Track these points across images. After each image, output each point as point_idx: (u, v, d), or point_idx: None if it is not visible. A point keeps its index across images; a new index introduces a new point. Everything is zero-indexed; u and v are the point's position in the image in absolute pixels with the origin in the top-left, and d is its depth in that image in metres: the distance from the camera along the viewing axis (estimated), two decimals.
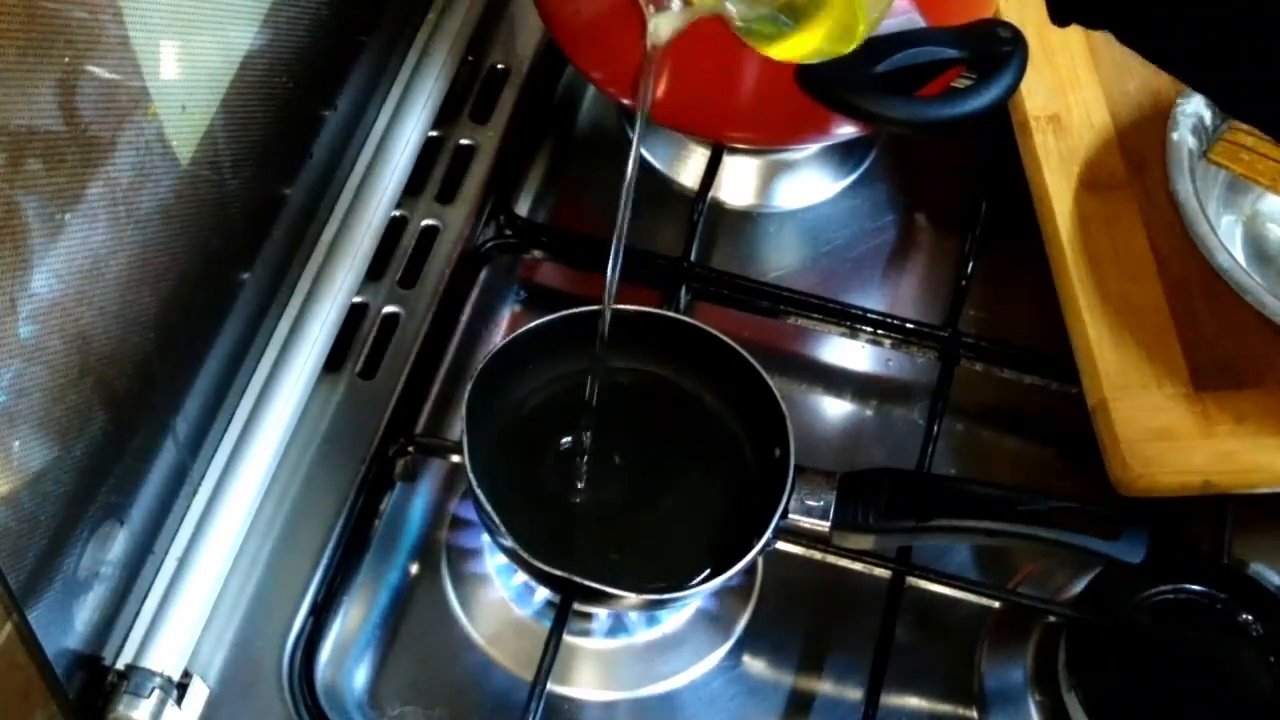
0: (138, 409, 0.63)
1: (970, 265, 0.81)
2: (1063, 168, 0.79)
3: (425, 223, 0.82)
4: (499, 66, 0.88)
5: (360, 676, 0.71)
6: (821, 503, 0.67)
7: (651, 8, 0.56)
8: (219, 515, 0.70)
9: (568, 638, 0.69)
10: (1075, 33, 0.84)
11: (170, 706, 0.66)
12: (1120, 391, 0.72)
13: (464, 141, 0.85)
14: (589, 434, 0.72)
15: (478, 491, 0.66)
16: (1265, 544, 0.74)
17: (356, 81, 0.79)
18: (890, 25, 0.69)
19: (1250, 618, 0.69)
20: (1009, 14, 0.81)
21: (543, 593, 0.72)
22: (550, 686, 0.68)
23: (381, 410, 0.76)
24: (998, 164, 0.84)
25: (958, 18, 0.71)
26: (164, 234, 0.61)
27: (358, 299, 0.79)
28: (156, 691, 0.65)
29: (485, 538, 0.73)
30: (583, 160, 0.90)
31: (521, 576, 0.72)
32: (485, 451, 0.69)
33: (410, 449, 0.75)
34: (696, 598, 0.71)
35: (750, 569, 0.73)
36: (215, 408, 0.72)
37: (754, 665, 0.73)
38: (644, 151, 0.88)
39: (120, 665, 0.66)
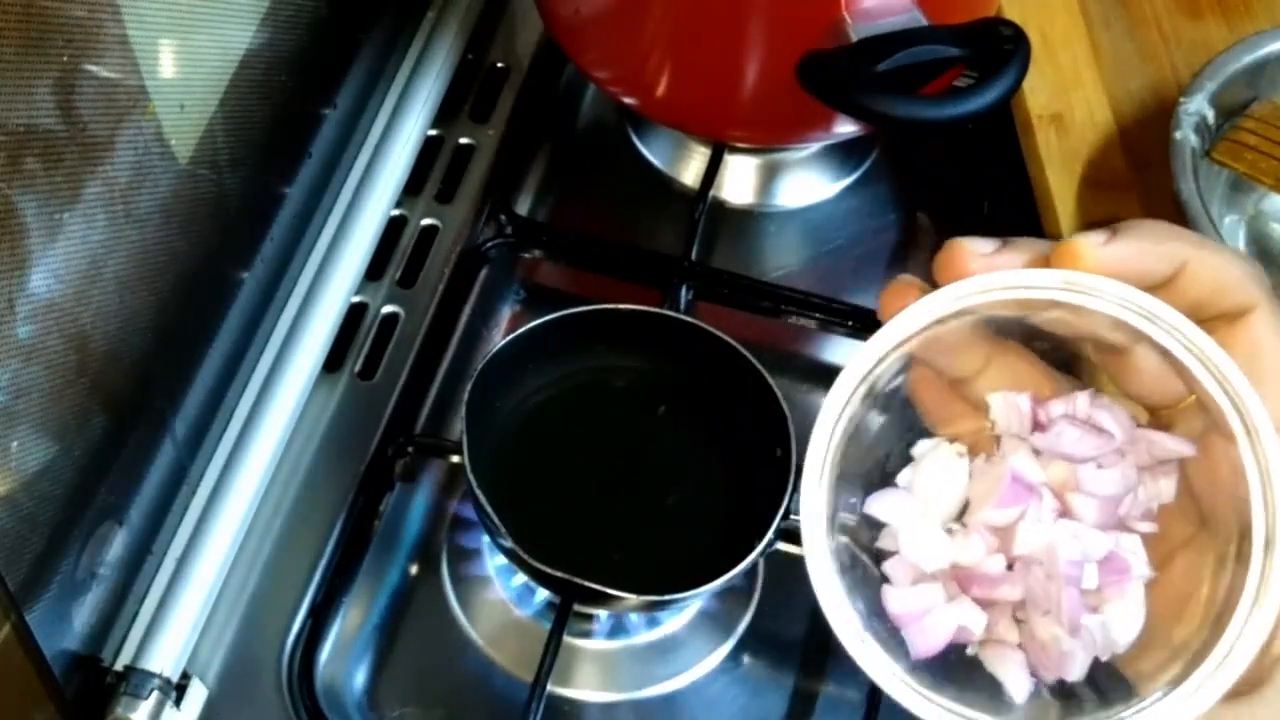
0: (136, 409, 0.63)
1: None
2: (1065, 167, 0.79)
3: (425, 222, 0.82)
4: (499, 65, 0.88)
5: (359, 677, 0.71)
6: None
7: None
8: (218, 516, 0.70)
9: (568, 639, 0.69)
10: (1077, 31, 0.84)
11: (169, 708, 0.66)
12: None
13: (464, 140, 0.85)
14: (589, 434, 0.72)
15: (477, 492, 0.65)
16: None
17: (356, 80, 0.79)
18: (891, 24, 0.69)
19: None
20: (1011, 12, 0.81)
21: (543, 594, 0.72)
22: (550, 688, 0.67)
23: (381, 410, 0.76)
24: (1000, 163, 0.84)
25: (959, 16, 0.70)
26: (162, 233, 0.61)
27: (357, 299, 0.78)
28: (155, 693, 0.65)
29: (485, 539, 0.73)
30: (583, 160, 0.89)
31: (521, 577, 0.72)
32: (485, 452, 0.68)
33: (410, 449, 0.75)
34: (697, 599, 0.71)
35: (751, 570, 0.72)
36: (214, 408, 0.72)
37: (755, 666, 0.72)
38: (644, 150, 0.88)
39: (119, 666, 0.66)
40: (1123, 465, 0.42)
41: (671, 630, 0.72)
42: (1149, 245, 0.42)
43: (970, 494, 0.43)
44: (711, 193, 0.83)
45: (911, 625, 0.42)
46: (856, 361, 0.42)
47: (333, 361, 0.76)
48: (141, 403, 0.64)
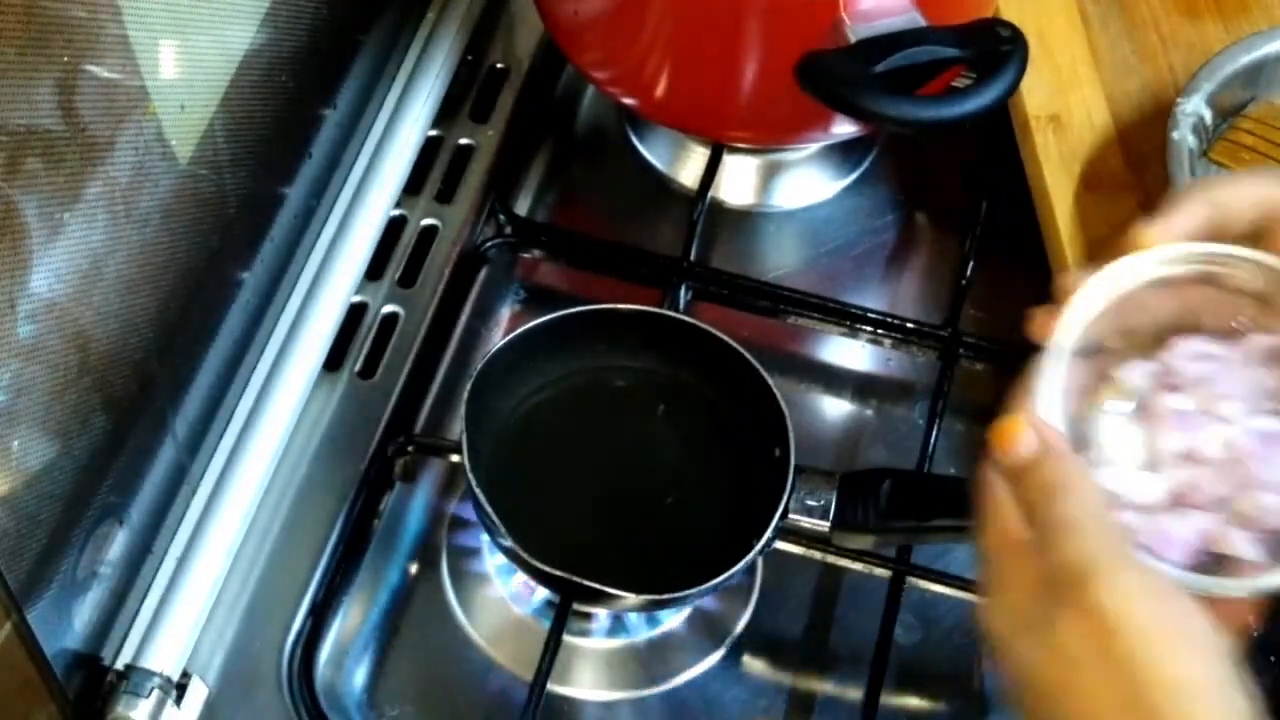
0: (137, 408, 0.63)
1: (970, 265, 0.81)
2: (1063, 167, 0.79)
3: (425, 222, 0.82)
4: (498, 66, 0.88)
5: (359, 676, 0.71)
6: (821, 502, 0.67)
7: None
8: (218, 515, 0.70)
9: (567, 638, 0.69)
10: (1075, 32, 0.84)
11: (169, 706, 0.66)
12: None
13: (463, 141, 0.85)
14: (589, 434, 0.72)
15: (477, 491, 0.66)
16: None
17: (356, 80, 0.79)
18: (890, 25, 0.69)
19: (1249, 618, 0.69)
20: (1009, 13, 0.82)
21: (542, 593, 0.72)
22: (550, 686, 0.68)
23: (381, 410, 0.76)
24: (998, 164, 0.84)
25: (957, 17, 0.71)
26: (163, 233, 0.61)
27: (357, 298, 0.79)
28: (155, 691, 0.65)
29: (485, 537, 0.73)
30: (582, 160, 0.90)
31: (521, 576, 0.72)
32: (485, 451, 0.68)
33: (410, 449, 0.75)
34: (696, 598, 0.71)
35: (750, 569, 0.73)
36: (214, 407, 0.72)
37: (754, 665, 0.73)
38: (644, 151, 0.88)
39: (119, 665, 0.66)
40: (1242, 369, 0.52)
41: (670, 629, 0.72)
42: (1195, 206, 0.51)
43: (1149, 443, 0.51)
44: (710, 193, 0.83)
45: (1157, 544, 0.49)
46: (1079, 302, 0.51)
47: (333, 361, 0.77)
48: (142, 402, 0.64)
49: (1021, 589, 0.46)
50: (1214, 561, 0.50)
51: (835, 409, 0.81)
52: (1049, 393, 0.50)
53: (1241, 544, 0.50)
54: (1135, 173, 0.79)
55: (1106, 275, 0.52)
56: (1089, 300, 0.51)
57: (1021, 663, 0.44)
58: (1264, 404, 0.52)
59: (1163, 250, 0.52)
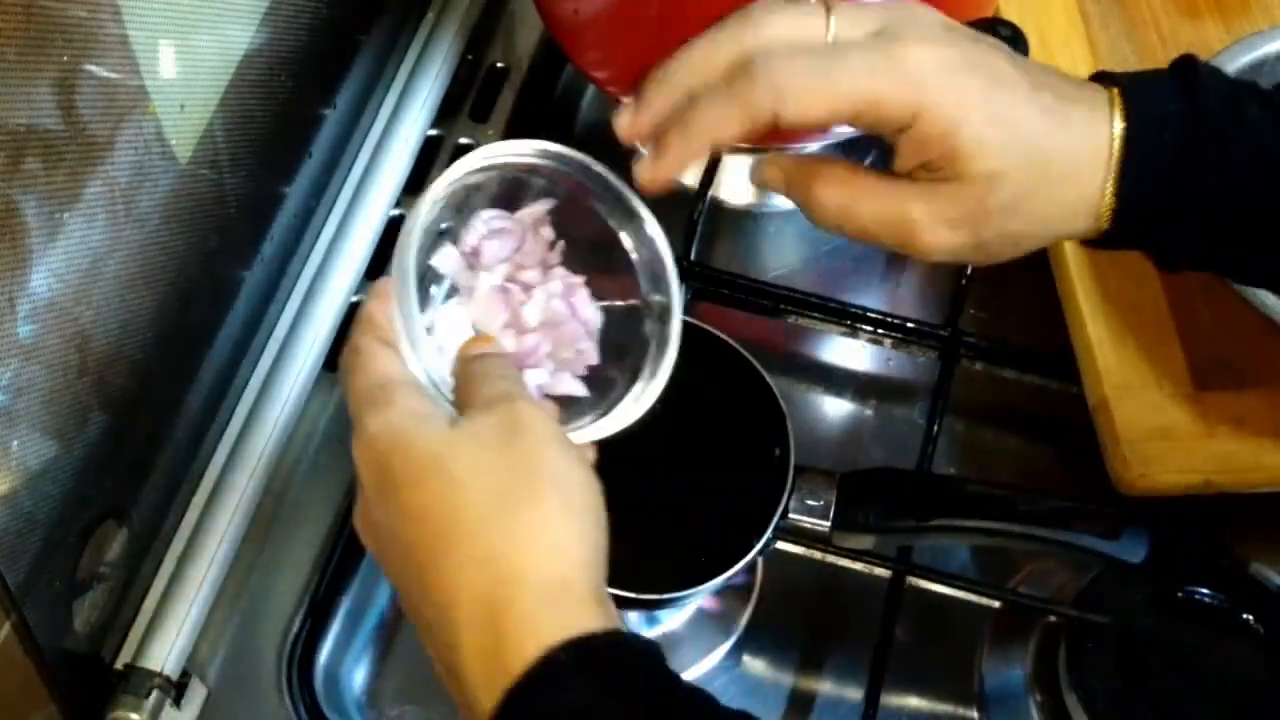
0: (136, 408, 0.63)
1: (970, 265, 0.81)
2: None
3: None
4: (498, 65, 0.88)
5: (359, 676, 0.71)
6: (822, 502, 0.67)
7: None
8: (217, 515, 0.70)
9: None
10: (1076, 32, 0.84)
11: (168, 706, 0.66)
12: (1121, 391, 0.72)
13: (463, 140, 0.85)
14: None
15: None
16: (1265, 544, 0.74)
17: (356, 80, 0.79)
18: None
19: (1250, 618, 0.69)
20: (1009, 13, 0.81)
21: None
22: None
23: None
24: None
25: (958, 17, 0.70)
26: (163, 233, 0.61)
27: (357, 298, 0.79)
28: (155, 691, 0.65)
29: None
30: None
31: None
32: None
33: None
34: (697, 597, 0.71)
35: (750, 568, 0.73)
36: (214, 407, 0.72)
37: (754, 665, 0.73)
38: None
39: (119, 665, 0.66)
40: (528, 235, 0.57)
41: (671, 628, 0.72)
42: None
43: (479, 323, 0.56)
44: (710, 193, 0.83)
45: None
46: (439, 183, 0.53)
47: (333, 361, 0.77)
48: (141, 402, 0.64)
49: (420, 399, 0.52)
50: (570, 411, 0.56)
51: (835, 409, 0.81)
52: (405, 270, 0.51)
53: (571, 385, 0.57)
54: None
55: (469, 159, 0.54)
56: (447, 179, 0.53)
57: (429, 446, 0.50)
58: (552, 259, 0.58)
59: (516, 144, 0.56)
